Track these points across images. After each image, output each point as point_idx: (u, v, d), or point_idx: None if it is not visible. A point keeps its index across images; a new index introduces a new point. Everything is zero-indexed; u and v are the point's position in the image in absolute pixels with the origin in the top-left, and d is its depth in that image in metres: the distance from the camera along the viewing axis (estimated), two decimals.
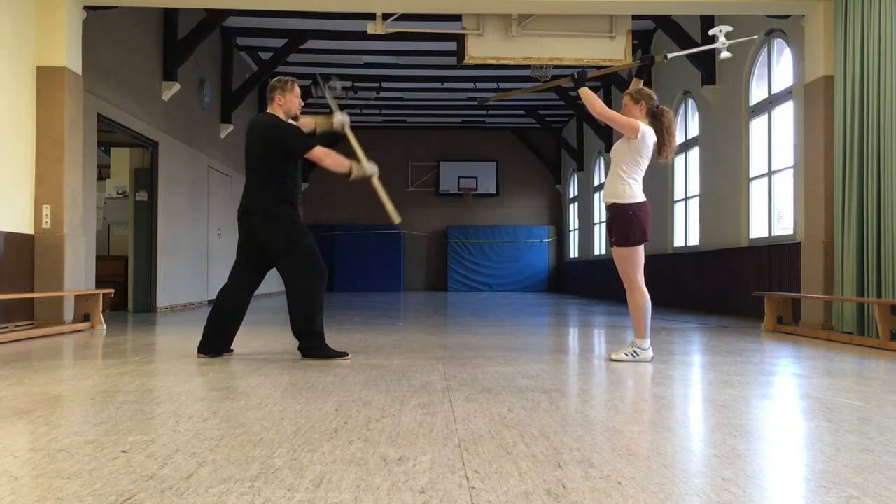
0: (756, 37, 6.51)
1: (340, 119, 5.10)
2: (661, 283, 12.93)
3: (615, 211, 4.82)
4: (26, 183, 7.10)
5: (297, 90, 4.91)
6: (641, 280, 4.85)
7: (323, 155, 4.75)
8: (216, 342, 4.87)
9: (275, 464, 2.22)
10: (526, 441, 2.53)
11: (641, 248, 4.83)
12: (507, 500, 1.90)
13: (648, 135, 4.77)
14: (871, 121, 6.49)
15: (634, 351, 4.83)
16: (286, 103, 4.82)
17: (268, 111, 4.86)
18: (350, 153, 5.01)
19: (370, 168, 4.89)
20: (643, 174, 4.86)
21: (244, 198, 4.86)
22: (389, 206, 4.94)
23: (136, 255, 10.35)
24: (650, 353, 4.85)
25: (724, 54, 5.48)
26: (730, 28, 5.39)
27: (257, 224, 4.73)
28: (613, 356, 4.89)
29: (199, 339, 4.91)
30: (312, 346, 4.74)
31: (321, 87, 5.44)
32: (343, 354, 4.79)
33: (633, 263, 4.82)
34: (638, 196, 4.78)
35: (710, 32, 5.45)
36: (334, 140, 5.11)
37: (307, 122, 5.05)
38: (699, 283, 11.26)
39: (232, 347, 5.09)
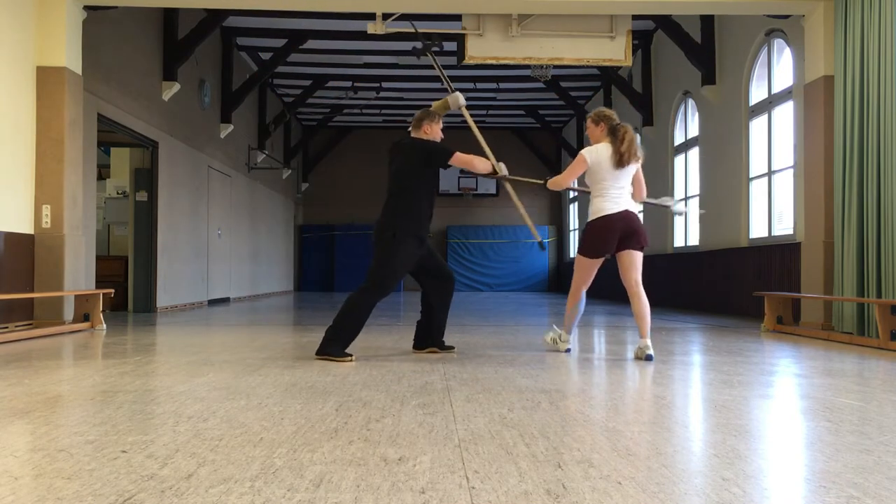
0: (681, 213, 6.68)
1: (455, 100, 5.15)
2: (661, 283, 12.93)
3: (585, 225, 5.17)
4: (26, 183, 7.10)
5: (441, 123, 5.09)
6: (581, 287, 5.20)
7: (468, 158, 4.84)
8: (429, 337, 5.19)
9: (275, 464, 2.22)
10: (526, 441, 2.54)
11: (593, 262, 5.10)
12: (507, 500, 1.90)
13: (594, 158, 4.98)
14: (871, 121, 6.49)
15: (555, 339, 5.48)
16: (432, 133, 5.01)
17: (413, 136, 5.02)
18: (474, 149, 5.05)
19: (502, 168, 4.97)
20: (611, 184, 5.00)
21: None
22: (531, 224, 5.07)
23: (136, 255, 10.34)
24: (567, 345, 5.41)
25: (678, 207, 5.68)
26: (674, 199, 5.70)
27: (375, 231, 4.94)
28: (544, 336, 5.59)
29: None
30: (323, 343, 4.79)
31: (426, 52, 5.37)
32: (347, 355, 4.80)
33: (579, 271, 5.17)
34: (597, 213, 5.01)
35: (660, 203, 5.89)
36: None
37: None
38: (699, 283, 11.26)
39: (444, 343, 5.26)
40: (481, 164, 4.88)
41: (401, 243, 4.80)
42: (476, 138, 5.28)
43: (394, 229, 4.81)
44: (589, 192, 5.18)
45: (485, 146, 5.22)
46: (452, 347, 5.31)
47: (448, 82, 5.37)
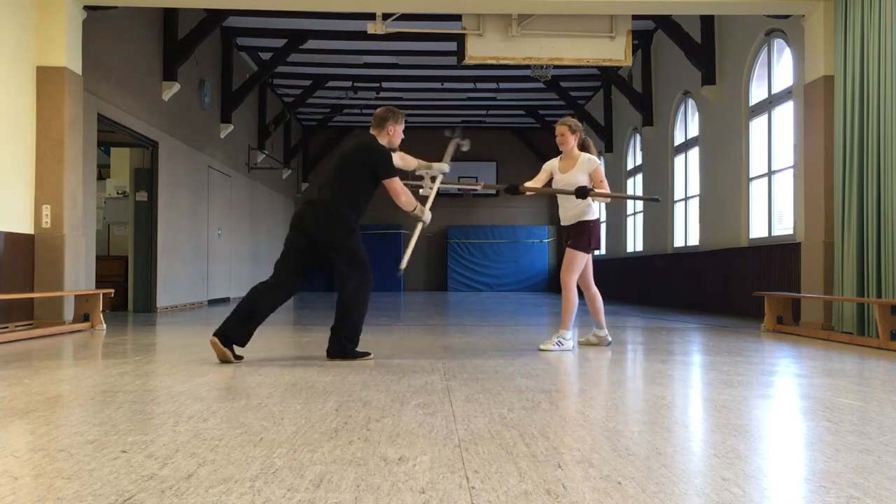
0: None
1: (441, 167, 5.30)
2: (661, 283, 12.93)
3: (580, 224, 5.50)
4: (26, 183, 7.10)
5: (403, 125, 5.10)
6: (574, 282, 5.54)
7: (400, 190, 4.87)
8: (232, 332, 4.67)
9: (275, 464, 2.22)
10: (526, 441, 2.53)
11: (587, 257, 5.54)
12: (507, 500, 1.90)
13: None
14: (871, 121, 6.49)
15: (559, 341, 5.43)
16: (395, 134, 4.99)
17: (373, 134, 4.96)
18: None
19: (426, 216, 5.08)
20: None
21: (314, 193, 4.93)
22: (407, 256, 5.10)
23: (136, 255, 10.34)
24: (571, 343, 5.50)
25: None
26: None
27: (316, 215, 4.74)
28: (542, 347, 5.44)
29: (217, 328, 4.66)
30: (337, 347, 4.77)
31: (455, 138, 5.61)
32: (366, 354, 4.82)
33: (578, 266, 5.52)
34: (594, 214, 5.56)
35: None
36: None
37: (411, 163, 5.26)
38: (699, 283, 11.26)
39: (241, 355, 4.80)
40: (405, 199, 4.90)
41: (354, 231, 4.79)
42: (429, 198, 5.32)
43: (347, 223, 4.73)
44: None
45: (414, 240, 5.19)
46: (241, 357, 4.75)
47: (448, 159, 5.53)
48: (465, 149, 5.63)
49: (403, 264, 5.12)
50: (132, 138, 10.01)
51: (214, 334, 4.61)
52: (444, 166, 5.33)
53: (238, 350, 4.74)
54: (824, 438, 2.66)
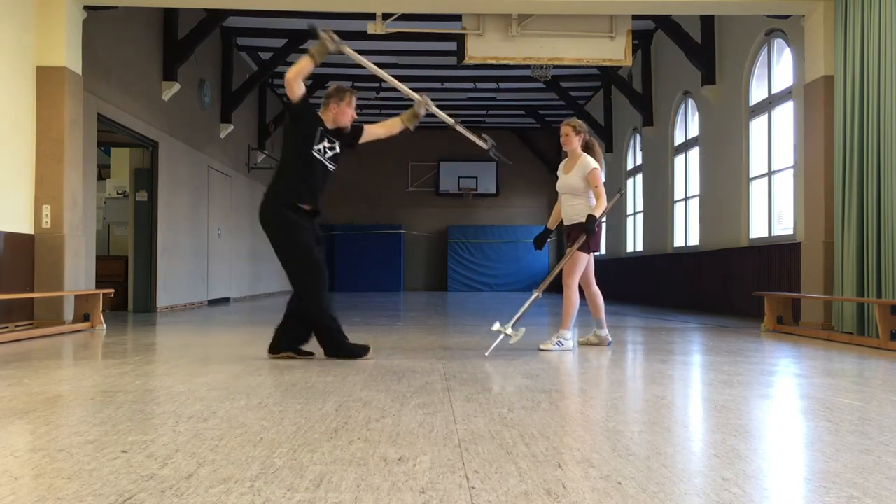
0: None
1: (421, 101, 5.04)
2: (660, 283, 12.93)
3: (581, 225, 5.48)
4: (26, 183, 7.10)
5: (354, 102, 4.69)
6: (576, 283, 5.57)
7: (291, 75, 4.42)
8: (279, 339, 4.73)
9: (275, 464, 2.22)
10: (526, 441, 2.53)
11: (588, 258, 5.57)
12: (507, 500, 1.90)
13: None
14: (871, 121, 6.49)
15: (559, 341, 5.44)
16: (339, 113, 4.64)
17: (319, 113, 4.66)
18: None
19: (329, 44, 4.52)
20: None
21: None
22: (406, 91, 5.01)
23: (136, 255, 10.34)
24: (571, 343, 5.51)
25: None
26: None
27: (261, 218, 4.63)
28: (542, 347, 5.44)
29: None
30: (325, 342, 4.69)
31: (487, 143, 5.41)
32: (365, 348, 4.74)
33: (580, 267, 5.56)
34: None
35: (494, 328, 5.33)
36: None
37: (378, 131, 5.01)
38: (699, 283, 11.25)
39: (310, 351, 4.79)
40: (296, 69, 4.38)
41: (287, 222, 4.45)
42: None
43: (271, 211, 4.48)
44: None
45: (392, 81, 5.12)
46: (312, 353, 4.77)
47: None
48: (488, 145, 5.45)
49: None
50: (132, 138, 10.02)
51: (269, 350, 4.74)
52: (426, 104, 5.01)
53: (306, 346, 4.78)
54: (824, 438, 2.66)
